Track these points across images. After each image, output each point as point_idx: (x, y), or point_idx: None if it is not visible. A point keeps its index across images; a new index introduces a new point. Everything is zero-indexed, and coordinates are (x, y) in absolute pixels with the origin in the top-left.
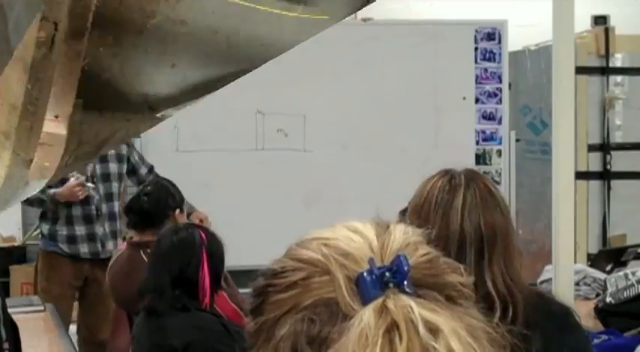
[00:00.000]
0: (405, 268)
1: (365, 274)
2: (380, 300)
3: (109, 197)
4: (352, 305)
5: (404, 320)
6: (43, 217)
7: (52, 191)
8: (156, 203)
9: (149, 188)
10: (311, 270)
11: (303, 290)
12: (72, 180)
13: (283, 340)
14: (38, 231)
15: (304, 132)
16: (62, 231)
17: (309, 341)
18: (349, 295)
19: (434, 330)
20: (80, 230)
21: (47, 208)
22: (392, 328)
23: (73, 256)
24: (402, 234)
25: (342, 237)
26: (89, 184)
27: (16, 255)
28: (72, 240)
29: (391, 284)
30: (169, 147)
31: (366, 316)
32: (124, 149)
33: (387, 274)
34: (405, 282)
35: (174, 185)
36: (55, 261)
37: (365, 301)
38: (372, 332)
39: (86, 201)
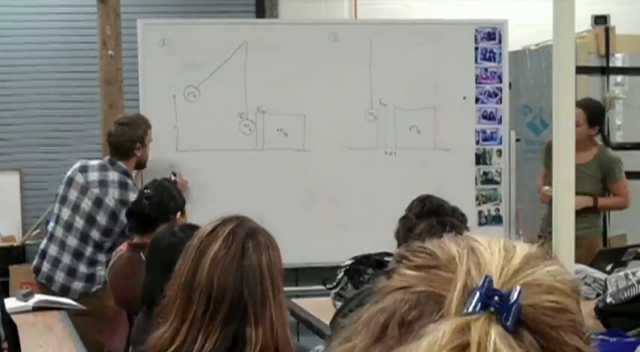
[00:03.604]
0: (513, 301)
1: (477, 289)
2: (469, 318)
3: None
4: (453, 311)
5: (477, 344)
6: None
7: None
8: (157, 206)
9: (149, 191)
10: (442, 263)
11: (425, 276)
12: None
13: (381, 311)
14: (38, 230)
15: (304, 132)
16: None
17: (401, 322)
18: (457, 300)
19: None
20: None
21: None
22: (462, 348)
23: None
24: (546, 273)
25: (490, 248)
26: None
27: (16, 254)
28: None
29: (492, 309)
30: (169, 147)
31: (444, 327)
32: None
33: (495, 298)
34: (506, 315)
35: (175, 187)
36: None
37: (464, 313)
38: (442, 346)
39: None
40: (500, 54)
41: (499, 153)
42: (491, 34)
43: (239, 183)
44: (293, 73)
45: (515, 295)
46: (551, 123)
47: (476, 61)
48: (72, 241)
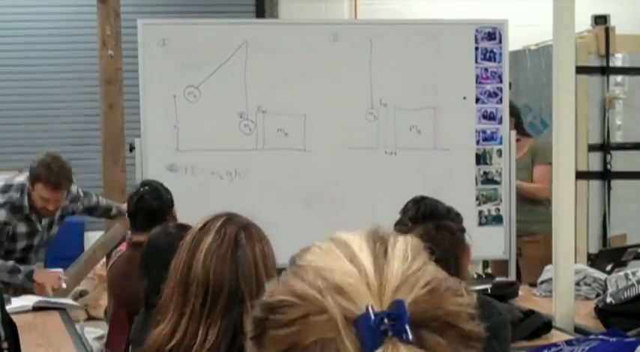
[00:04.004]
0: (404, 317)
1: (363, 319)
2: None
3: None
4: (351, 349)
5: None
6: None
7: (31, 268)
8: (160, 201)
9: (147, 188)
10: (309, 308)
11: (302, 329)
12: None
13: None
14: None
15: (304, 132)
16: None
17: None
18: (348, 337)
19: None
20: None
21: (16, 281)
22: None
23: None
24: (401, 264)
25: (338, 268)
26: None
27: None
28: None
29: (390, 333)
30: (170, 147)
31: None
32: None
33: (386, 321)
34: (406, 334)
35: (161, 183)
36: None
37: (363, 348)
38: None
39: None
40: (500, 54)
41: (499, 153)
42: (492, 34)
43: (239, 183)
44: (293, 73)
45: (402, 310)
46: (551, 123)
47: (476, 61)
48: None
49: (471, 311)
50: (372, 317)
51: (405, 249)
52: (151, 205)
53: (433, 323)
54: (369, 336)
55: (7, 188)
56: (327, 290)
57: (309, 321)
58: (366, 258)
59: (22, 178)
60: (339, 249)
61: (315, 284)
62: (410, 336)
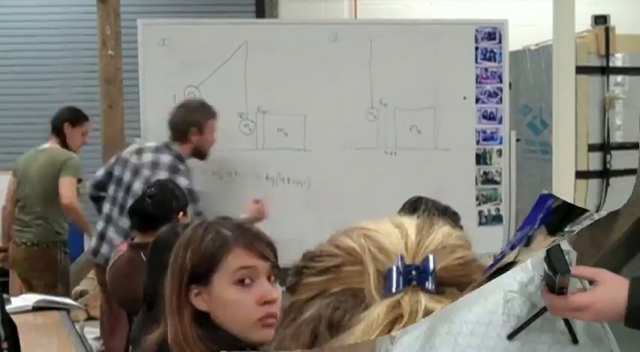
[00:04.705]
0: (431, 269)
1: (393, 269)
2: (397, 296)
3: None
4: (375, 298)
5: (409, 311)
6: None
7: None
8: (159, 205)
9: (153, 190)
10: (345, 259)
11: (335, 277)
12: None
13: (306, 322)
14: None
15: (304, 132)
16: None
17: (330, 326)
18: (375, 287)
19: None
20: None
21: None
22: (396, 319)
23: None
24: (442, 236)
25: (383, 230)
26: None
27: None
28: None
29: (414, 283)
30: None
31: (378, 308)
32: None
33: (413, 272)
34: (428, 283)
35: (178, 187)
36: None
37: (387, 295)
38: (378, 323)
39: None
40: (500, 54)
41: (499, 153)
42: (492, 34)
43: (239, 183)
44: (293, 73)
45: (431, 264)
46: (551, 123)
47: (476, 61)
48: (124, 223)
49: None
50: (400, 266)
51: (450, 230)
52: (146, 209)
53: (457, 286)
54: (394, 284)
55: (161, 149)
56: (368, 245)
57: (343, 270)
58: (411, 228)
59: (150, 143)
60: (390, 220)
61: (359, 240)
62: (431, 287)
